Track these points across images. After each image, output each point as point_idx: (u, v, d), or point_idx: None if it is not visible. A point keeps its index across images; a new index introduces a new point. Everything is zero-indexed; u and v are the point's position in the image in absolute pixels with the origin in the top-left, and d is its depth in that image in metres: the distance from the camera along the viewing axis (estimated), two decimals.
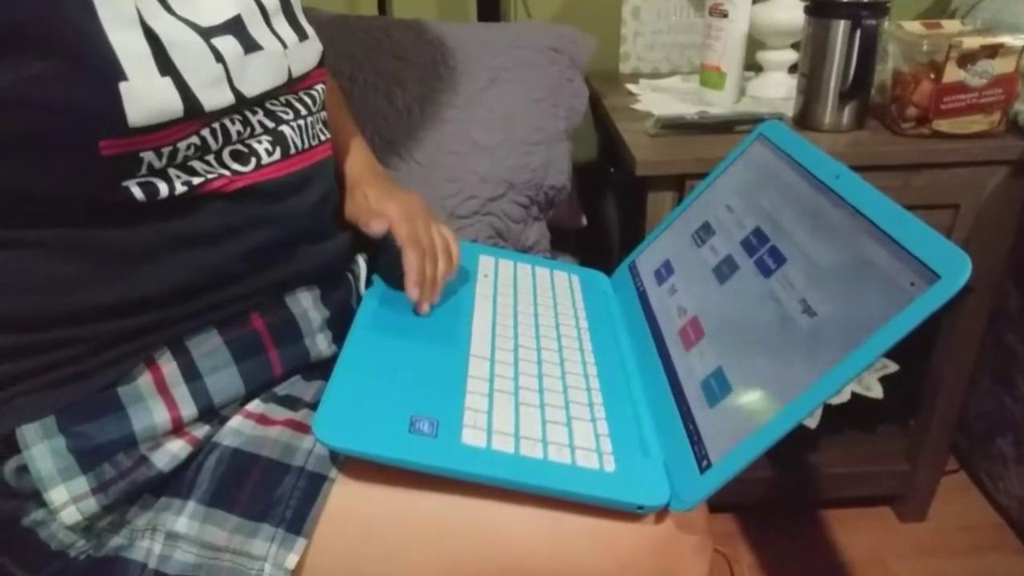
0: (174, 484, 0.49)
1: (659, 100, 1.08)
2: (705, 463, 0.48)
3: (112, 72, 0.41)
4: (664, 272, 0.70)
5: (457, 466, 0.46)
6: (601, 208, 1.25)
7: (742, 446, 0.46)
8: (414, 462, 0.46)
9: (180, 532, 0.48)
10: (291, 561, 0.46)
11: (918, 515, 1.17)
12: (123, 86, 0.41)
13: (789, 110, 0.98)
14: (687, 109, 1.02)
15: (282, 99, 0.54)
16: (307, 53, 0.55)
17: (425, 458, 0.46)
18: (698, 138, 0.93)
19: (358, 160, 0.69)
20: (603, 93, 1.12)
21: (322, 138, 0.59)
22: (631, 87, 1.15)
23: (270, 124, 0.53)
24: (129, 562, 0.48)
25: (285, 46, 0.52)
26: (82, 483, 0.46)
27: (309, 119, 0.57)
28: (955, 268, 0.41)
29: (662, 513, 0.49)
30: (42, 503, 0.47)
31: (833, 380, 0.44)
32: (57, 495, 0.46)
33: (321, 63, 0.58)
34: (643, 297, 0.70)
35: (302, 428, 0.50)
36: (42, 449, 0.46)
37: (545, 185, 0.87)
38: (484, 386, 0.54)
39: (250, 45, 0.49)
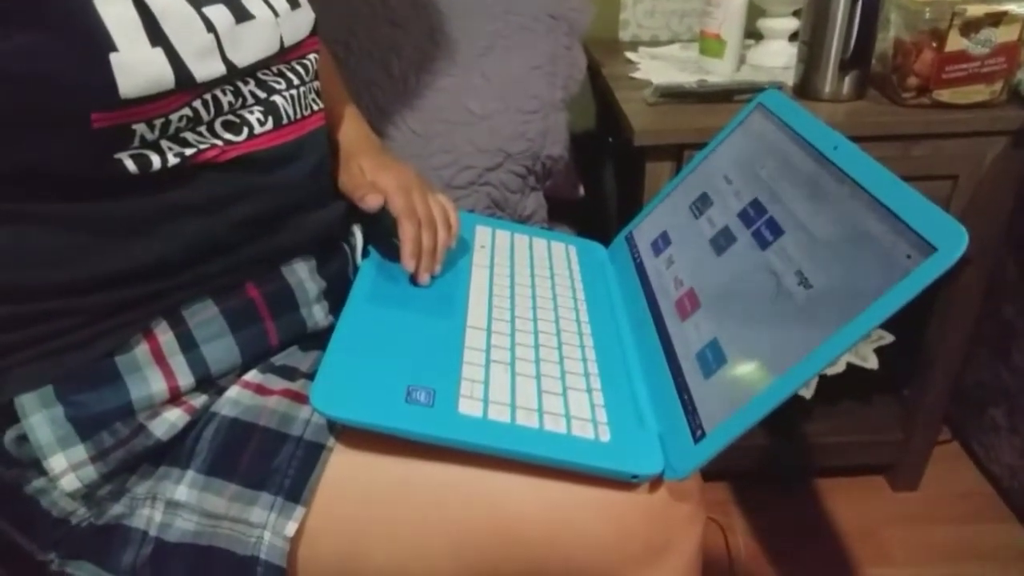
0: (173, 453, 0.49)
1: (658, 68, 1.07)
2: (699, 433, 0.49)
3: (102, 43, 0.40)
4: (661, 243, 0.70)
5: (454, 435, 0.47)
6: (599, 178, 1.24)
7: (736, 416, 0.47)
8: (411, 431, 0.46)
9: (180, 500, 0.48)
10: (290, 529, 0.47)
11: (911, 484, 1.19)
12: (113, 57, 0.41)
13: (789, 79, 0.97)
14: (686, 78, 1.01)
15: (274, 69, 0.54)
16: (299, 22, 0.54)
17: (422, 427, 0.47)
18: (697, 107, 0.92)
19: (352, 130, 0.68)
20: (602, 61, 1.10)
21: (315, 108, 0.58)
22: (630, 55, 1.14)
23: (262, 94, 0.52)
24: (130, 529, 0.48)
25: (277, 15, 0.51)
26: (80, 451, 0.47)
27: (301, 89, 0.56)
28: (952, 240, 0.41)
29: (656, 482, 0.50)
30: (43, 471, 0.47)
31: (828, 352, 0.44)
32: (56, 463, 0.47)
33: (314, 32, 0.57)
34: (640, 268, 0.70)
35: (299, 398, 0.51)
36: (41, 418, 0.47)
37: (542, 155, 0.87)
38: (480, 356, 0.54)
39: (241, 14, 0.48)
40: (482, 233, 0.73)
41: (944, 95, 0.86)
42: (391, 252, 0.63)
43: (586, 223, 1.06)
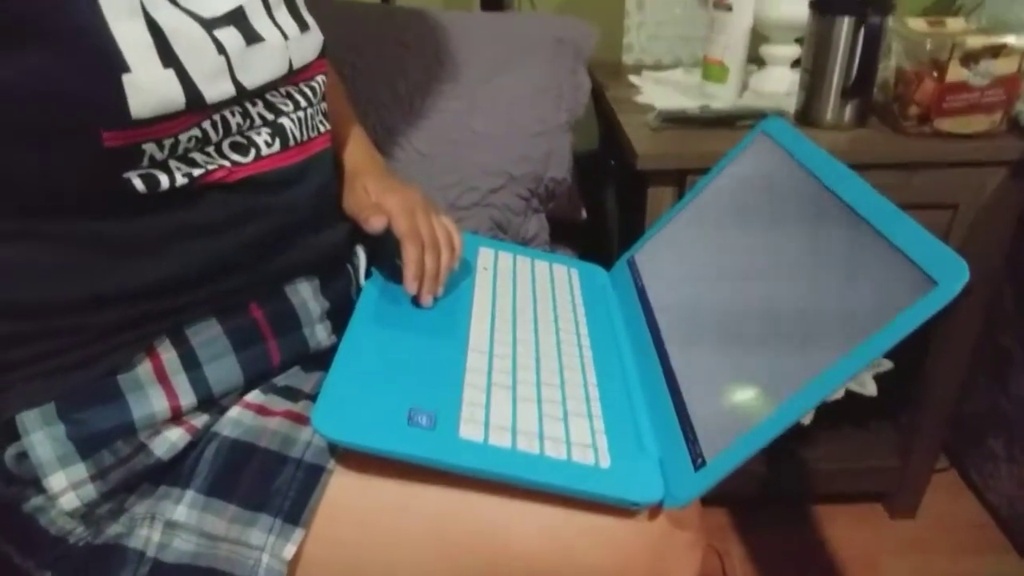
0: (173, 473, 0.49)
1: (661, 93, 1.08)
2: (700, 461, 0.49)
3: (115, 63, 0.41)
4: (663, 269, 0.70)
5: (454, 460, 0.47)
6: (601, 200, 1.25)
7: (736, 444, 0.47)
8: (412, 455, 0.46)
9: (179, 521, 0.48)
10: (288, 551, 0.46)
11: (908, 512, 1.19)
12: (126, 78, 0.41)
13: (791, 106, 0.98)
14: (689, 103, 1.02)
15: (282, 90, 0.54)
16: (308, 44, 0.55)
17: (423, 451, 0.47)
18: (700, 132, 0.93)
19: (358, 151, 0.68)
20: (605, 84, 1.11)
21: (321, 129, 0.58)
22: (633, 79, 1.15)
23: (270, 116, 0.52)
24: (128, 549, 0.48)
25: (286, 37, 0.52)
26: (81, 469, 0.47)
27: (309, 111, 0.57)
28: (952, 274, 0.41)
29: (656, 509, 0.50)
30: (42, 489, 0.47)
31: (828, 382, 0.44)
32: (56, 481, 0.46)
33: (322, 54, 0.58)
34: (641, 293, 0.70)
35: (301, 419, 0.51)
36: (42, 436, 0.46)
37: (546, 177, 0.87)
38: (482, 380, 0.54)
39: (252, 36, 0.49)
40: (485, 255, 0.73)
41: (945, 124, 0.86)
42: (394, 273, 0.63)
43: (587, 245, 1.06)
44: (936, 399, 1.07)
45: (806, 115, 0.94)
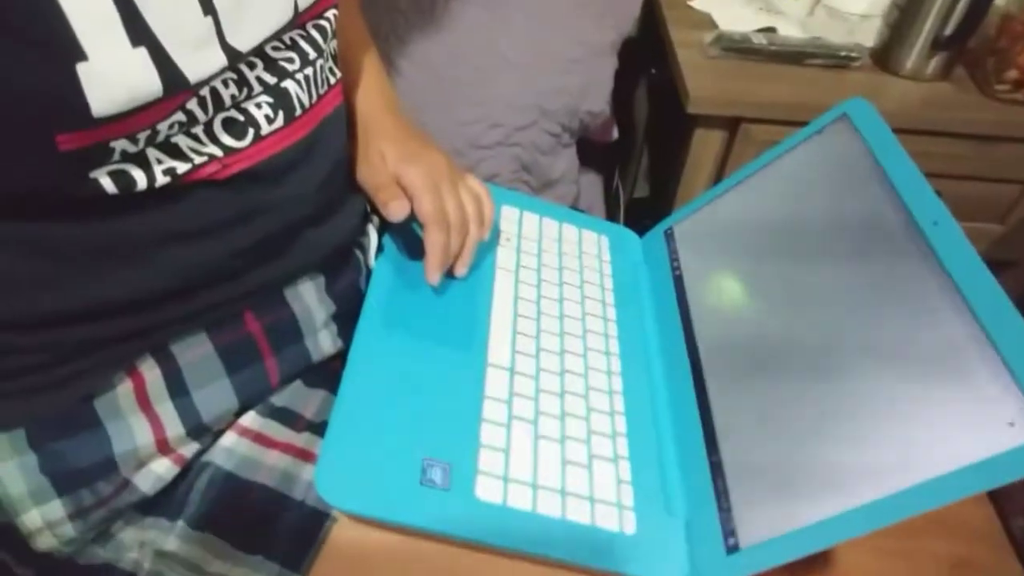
0: (161, 503, 0.45)
1: (719, 2, 0.93)
2: (732, 541, 0.45)
3: (66, 49, 0.31)
4: (707, 260, 0.63)
5: (471, 533, 0.43)
6: (629, 107, 1.12)
7: (778, 542, 0.43)
8: (426, 527, 0.42)
9: (170, 551, 0.45)
10: None
11: None
12: (81, 68, 0.31)
13: (868, 35, 0.85)
14: (750, 16, 0.88)
15: (286, 39, 0.44)
16: None
17: (437, 522, 0.43)
18: (762, 68, 0.80)
19: (374, 96, 0.57)
20: None
21: (332, 81, 0.48)
22: None
23: (271, 79, 0.42)
24: (117, 570, 0.45)
25: None
26: (57, 507, 0.42)
27: (319, 62, 0.46)
28: None
29: None
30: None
31: (892, 509, 0.39)
32: (30, 520, 0.42)
33: None
34: (678, 282, 0.63)
35: (302, 455, 0.46)
36: (11, 467, 0.41)
37: (581, 111, 0.76)
38: (502, 412, 0.49)
39: None
40: (508, 218, 0.65)
41: None
42: (411, 247, 0.55)
43: (614, 165, 0.97)
44: None
45: (883, 57, 0.81)
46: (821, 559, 0.94)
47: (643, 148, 1.15)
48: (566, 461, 0.48)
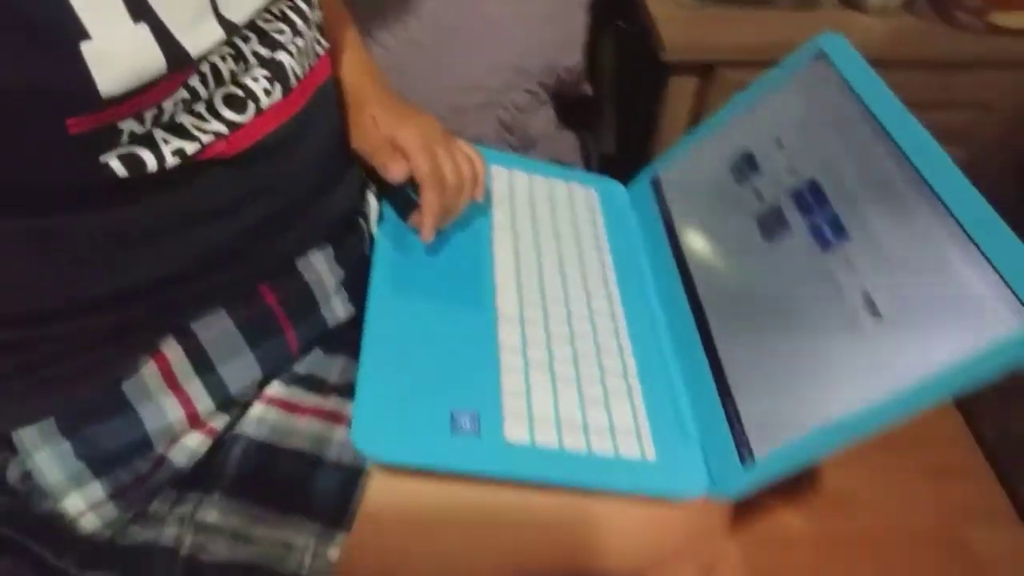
0: (197, 478, 0.46)
1: None
2: (747, 454, 0.48)
3: (69, 29, 0.31)
4: (695, 204, 0.65)
5: (505, 470, 0.45)
6: (595, 67, 1.12)
7: (788, 449, 0.46)
8: (462, 469, 0.44)
9: (210, 523, 0.46)
10: (332, 553, 0.45)
11: None
12: (85, 47, 0.32)
13: None
14: None
15: (276, 10, 0.44)
16: None
17: (472, 464, 0.45)
18: (730, 13, 0.82)
19: (357, 66, 0.58)
20: None
21: (320, 52, 0.49)
22: None
23: (265, 52, 0.43)
24: (157, 548, 0.46)
25: None
26: (97, 489, 0.43)
27: (308, 33, 0.47)
28: None
29: None
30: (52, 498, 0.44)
31: (891, 410, 0.42)
32: (72, 504, 0.43)
33: None
34: (669, 226, 0.65)
35: (333, 417, 0.47)
36: (46, 456, 0.42)
37: (559, 67, 0.77)
38: (518, 360, 0.51)
39: None
40: (498, 176, 0.66)
41: (1005, 19, 0.77)
42: (408, 210, 0.57)
43: (584, 122, 0.97)
44: None
45: None
46: (817, 480, 0.99)
47: (610, 104, 1.16)
48: (584, 400, 0.50)
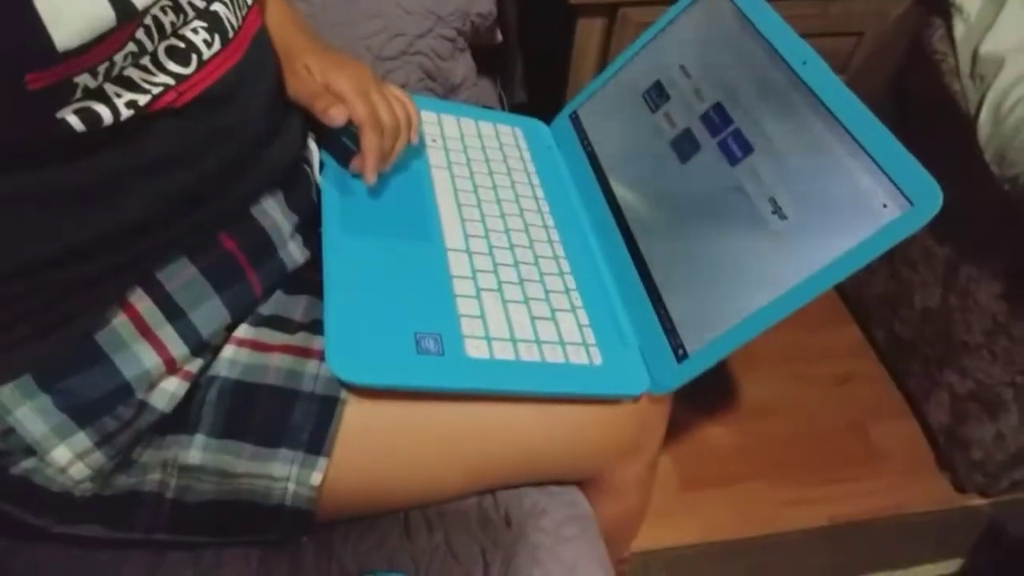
0: (176, 421, 0.48)
1: None
2: (681, 352, 0.54)
3: None
4: (614, 134, 0.70)
5: (471, 384, 0.49)
6: (500, 16, 1.15)
7: (716, 342, 0.52)
8: (431, 386, 0.48)
9: (194, 464, 0.48)
10: (315, 479, 0.48)
11: None
12: (40, 3, 0.33)
13: None
14: None
15: None
16: None
17: (441, 380, 0.48)
18: None
19: (281, 16, 0.59)
20: None
21: (249, 2, 0.50)
22: None
23: (201, 3, 0.44)
24: (142, 494, 0.48)
25: None
26: (83, 438, 0.45)
27: None
28: (928, 197, 0.45)
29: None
30: (32, 452, 0.45)
31: (800, 295, 0.49)
32: (60, 454, 0.44)
33: None
34: (591, 156, 0.70)
35: (302, 352, 0.50)
36: (27, 410, 0.43)
37: (472, 13, 0.80)
38: (470, 286, 0.55)
39: None
40: (428, 120, 0.69)
41: None
42: (346, 158, 0.59)
43: (496, 71, 1.00)
44: None
45: None
46: (737, 395, 1.09)
47: (517, 54, 1.19)
48: (533, 317, 0.55)
